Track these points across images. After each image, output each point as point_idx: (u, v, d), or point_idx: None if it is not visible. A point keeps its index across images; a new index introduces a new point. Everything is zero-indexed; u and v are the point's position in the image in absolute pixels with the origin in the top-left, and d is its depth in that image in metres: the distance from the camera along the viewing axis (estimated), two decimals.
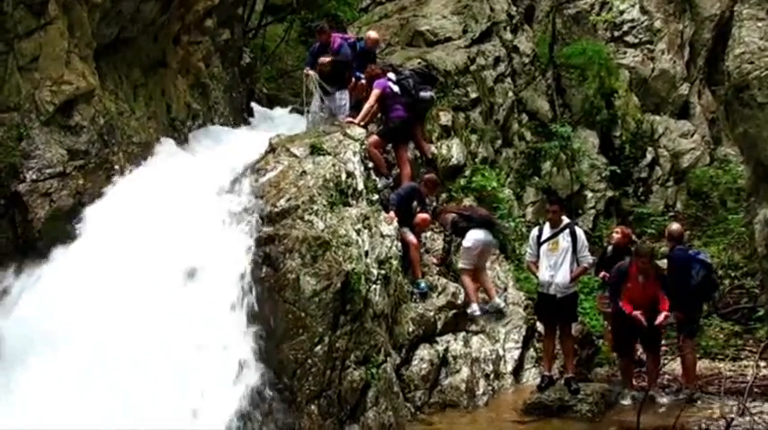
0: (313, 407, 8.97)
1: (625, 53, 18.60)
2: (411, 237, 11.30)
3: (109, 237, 9.49)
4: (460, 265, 11.66)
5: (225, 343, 8.99)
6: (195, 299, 9.20)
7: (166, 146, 11.62)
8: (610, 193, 16.18)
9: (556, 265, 10.84)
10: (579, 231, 11.04)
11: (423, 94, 12.33)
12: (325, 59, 12.84)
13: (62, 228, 9.76)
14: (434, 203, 12.71)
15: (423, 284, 11.19)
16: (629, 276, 10.62)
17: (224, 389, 8.79)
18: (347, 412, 9.13)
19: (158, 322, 8.97)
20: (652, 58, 18.69)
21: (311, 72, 12.96)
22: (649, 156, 17.21)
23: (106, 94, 11.08)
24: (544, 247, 10.93)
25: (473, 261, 11.59)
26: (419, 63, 13.81)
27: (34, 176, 10.02)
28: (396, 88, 12.13)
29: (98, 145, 10.53)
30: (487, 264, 11.97)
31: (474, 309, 11.53)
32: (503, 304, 11.79)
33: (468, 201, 13.09)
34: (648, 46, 18.68)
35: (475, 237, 11.59)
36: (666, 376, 11.63)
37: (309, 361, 9.03)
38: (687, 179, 17.42)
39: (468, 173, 13.48)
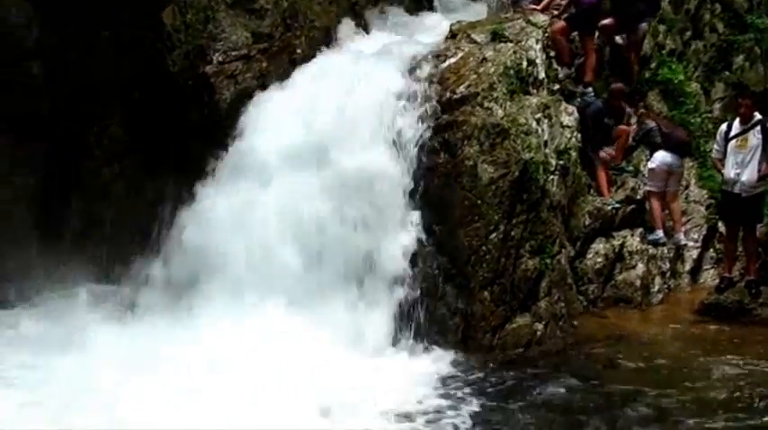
0: (486, 293, 9.02)
1: None
2: (603, 155, 11.00)
3: (291, 117, 9.70)
4: (647, 188, 11.23)
5: (400, 227, 9.15)
6: (370, 181, 9.37)
7: (347, 30, 11.64)
8: None
9: (743, 163, 10.36)
10: None
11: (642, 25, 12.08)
12: None
13: (246, 108, 10.03)
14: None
15: (613, 202, 10.91)
16: None
17: (398, 274, 8.99)
18: (519, 300, 9.14)
19: (331, 203, 9.28)
20: None
21: None
22: None
23: None
24: (732, 144, 10.44)
25: (659, 184, 11.14)
26: None
27: (220, 59, 10.33)
28: None
29: (281, 28, 10.70)
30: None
31: (658, 235, 11.12)
32: (684, 241, 11.34)
33: (652, 95, 12.57)
34: None
35: (661, 158, 11.11)
36: None
37: (484, 248, 9.05)
38: None
39: (654, 65, 12.89)
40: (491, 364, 8.58)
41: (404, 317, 8.86)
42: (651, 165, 11.17)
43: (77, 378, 7.87)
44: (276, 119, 9.85)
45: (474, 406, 7.72)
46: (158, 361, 8.10)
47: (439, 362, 8.57)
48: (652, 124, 11.42)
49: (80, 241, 10.75)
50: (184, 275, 9.33)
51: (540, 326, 9.15)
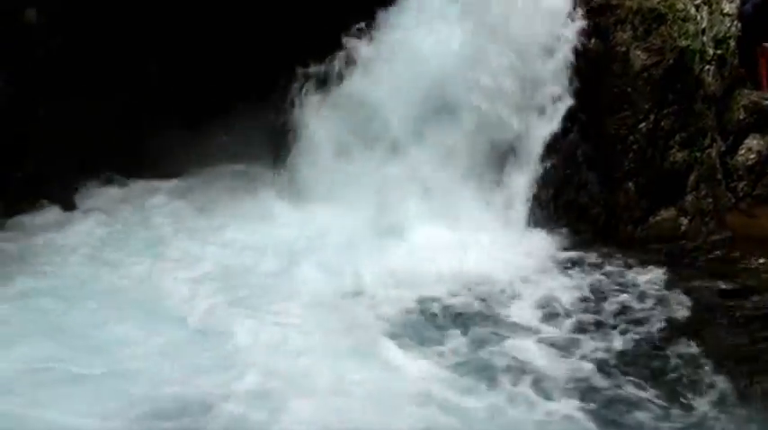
0: (630, 184, 8.80)
1: None
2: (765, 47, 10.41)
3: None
4: None
5: (546, 112, 8.98)
6: (517, 64, 9.16)
7: None
8: None
9: None
10: None
11: None
12: None
13: None
14: None
15: None
16: None
17: (542, 158, 8.87)
18: (665, 193, 8.88)
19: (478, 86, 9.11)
20: None
21: None
22: None
23: None
24: None
25: None
26: None
27: None
28: None
29: None
30: None
31: None
32: None
33: None
34: None
35: None
36: None
37: (631, 137, 8.79)
38: None
39: None
40: (633, 256, 8.42)
41: (545, 202, 8.78)
42: None
43: None
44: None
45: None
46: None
47: (579, 249, 8.50)
48: None
49: (217, 121, 10.93)
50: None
51: (684, 221, 8.89)
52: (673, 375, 6.47)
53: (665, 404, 6.11)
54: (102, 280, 7.93)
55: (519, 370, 6.47)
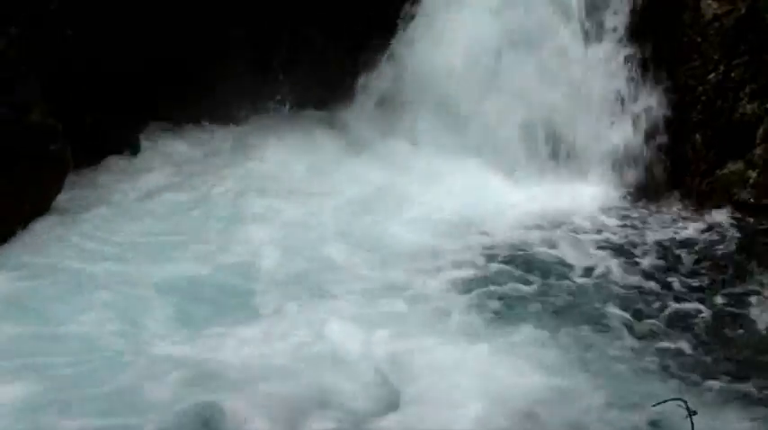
0: (698, 136, 8.72)
1: None
2: None
3: None
4: None
5: (614, 62, 8.93)
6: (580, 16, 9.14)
7: None
8: None
9: None
10: None
11: None
12: None
13: None
14: None
15: None
16: None
17: (615, 113, 8.91)
18: (733, 146, 8.78)
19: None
20: None
21: None
22: None
23: None
24: None
25: None
26: None
27: None
28: None
29: None
30: None
31: None
32: None
33: None
34: None
35: None
36: None
37: (700, 88, 8.68)
38: None
39: None
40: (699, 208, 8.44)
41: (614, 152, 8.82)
42: None
43: None
44: None
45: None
46: None
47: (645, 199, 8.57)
48: None
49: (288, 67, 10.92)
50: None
51: (753, 174, 8.72)
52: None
53: None
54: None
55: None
